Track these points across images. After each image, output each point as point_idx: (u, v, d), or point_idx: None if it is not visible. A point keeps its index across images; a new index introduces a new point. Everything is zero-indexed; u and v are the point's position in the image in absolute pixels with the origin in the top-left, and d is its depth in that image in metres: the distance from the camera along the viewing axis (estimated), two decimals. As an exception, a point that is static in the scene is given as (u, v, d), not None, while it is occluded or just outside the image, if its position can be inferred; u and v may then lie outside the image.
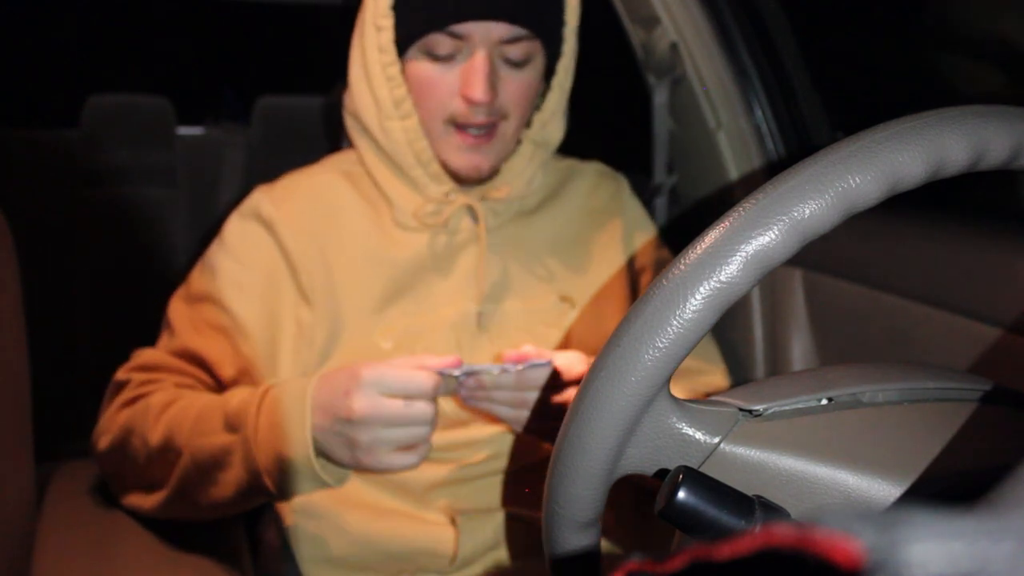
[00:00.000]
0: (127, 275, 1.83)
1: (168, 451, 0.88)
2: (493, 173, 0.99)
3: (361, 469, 0.84)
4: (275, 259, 0.97)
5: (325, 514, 0.97)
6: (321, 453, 0.84)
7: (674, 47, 1.28)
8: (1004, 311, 0.89)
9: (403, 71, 0.95)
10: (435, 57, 0.92)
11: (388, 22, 0.93)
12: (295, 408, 0.83)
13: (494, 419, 0.97)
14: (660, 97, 1.33)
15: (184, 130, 1.92)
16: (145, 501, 0.93)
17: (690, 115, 1.32)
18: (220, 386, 0.96)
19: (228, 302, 0.96)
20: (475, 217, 1.00)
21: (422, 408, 0.81)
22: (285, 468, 0.84)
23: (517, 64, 0.93)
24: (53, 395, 1.31)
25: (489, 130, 0.95)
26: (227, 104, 2.50)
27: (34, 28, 3.09)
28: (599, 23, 1.28)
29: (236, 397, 0.87)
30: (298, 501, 0.99)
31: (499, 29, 0.90)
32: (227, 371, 0.95)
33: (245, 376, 0.95)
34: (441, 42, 0.91)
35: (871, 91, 1.49)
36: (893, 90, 1.47)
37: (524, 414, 0.87)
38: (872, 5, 1.51)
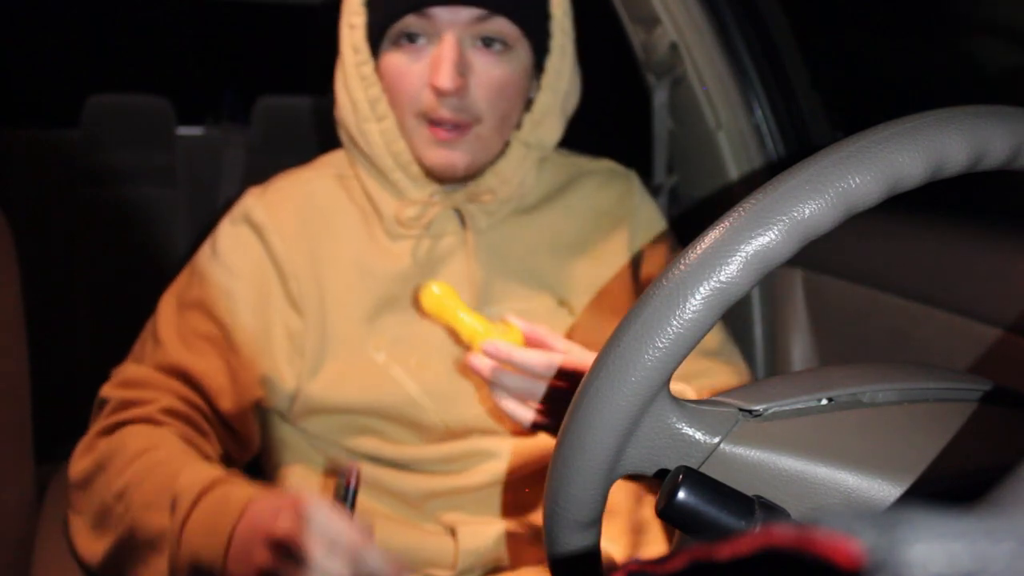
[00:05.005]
0: (127, 275, 1.83)
1: (121, 510, 0.83)
2: (474, 173, 0.97)
3: None
4: (265, 266, 0.96)
5: None
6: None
7: (674, 47, 1.28)
8: (1004, 311, 0.89)
9: (377, 69, 0.94)
10: (405, 41, 0.91)
11: (360, 19, 0.93)
12: (225, 517, 0.77)
13: (490, 430, 0.97)
14: (660, 97, 1.33)
15: (184, 130, 1.93)
16: (93, 546, 0.87)
17: (690, 115, 1.32)
18: (208, 402, 0.93)
19: (218, 312, 0.94)
20: (462, 221, 0.98)
21: (335, 568, 0.70)
22: (200, 571, 0.78)
23: (491, 46, 0.91)
24: (53, 395, 1.31)
25: (461, 129, 0.93)
26: (227, 104, 2.50)
27: (34, 28, 3.09)
28: (599, 23, 1.28)
29: (185, 477, 0.81)
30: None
31: (467, 11, 0.89)
32: (216, 384, 0.92)
33: (235, 390, 0.93)
34: (411, 23, 0.90)
35: (871, 91, 1.49)
36: (893, 90, 1.47)
37: (528, 411, 0.84)
38: (872, 5, 1.51)
